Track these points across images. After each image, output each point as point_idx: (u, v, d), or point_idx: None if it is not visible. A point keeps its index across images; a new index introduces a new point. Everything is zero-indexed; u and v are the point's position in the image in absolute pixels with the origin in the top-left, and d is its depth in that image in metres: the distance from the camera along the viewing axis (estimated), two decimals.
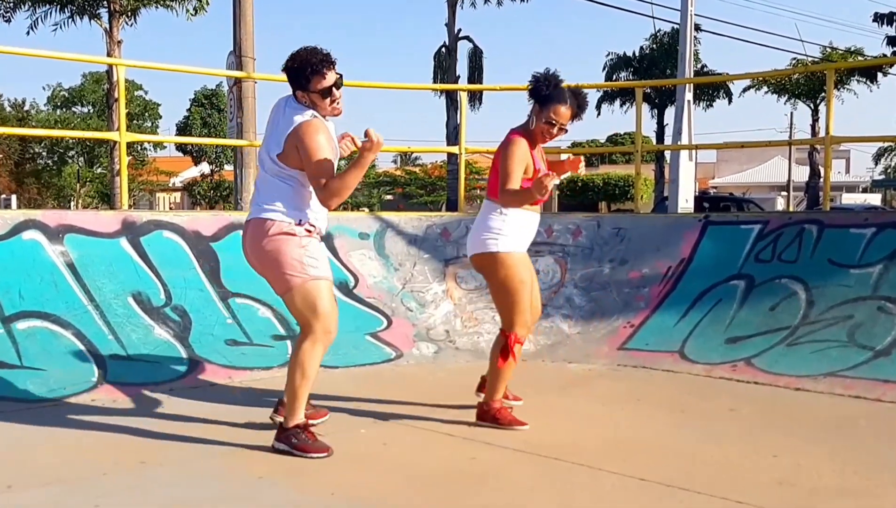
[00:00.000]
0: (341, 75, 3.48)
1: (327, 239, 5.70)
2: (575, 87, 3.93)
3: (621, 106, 31.51)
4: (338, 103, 3.48)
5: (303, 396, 3.46)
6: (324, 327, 3.44)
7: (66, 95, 39.05)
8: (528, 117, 3.86)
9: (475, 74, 25.99)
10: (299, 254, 3.42)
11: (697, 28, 20.89)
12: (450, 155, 21.64)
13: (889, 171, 51.52)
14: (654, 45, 29.84)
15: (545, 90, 3.76)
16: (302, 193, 3.47)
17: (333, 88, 3.44)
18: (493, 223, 3.82)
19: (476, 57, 26.10)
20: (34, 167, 37.26)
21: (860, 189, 47.32)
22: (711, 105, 30.88)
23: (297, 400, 3.45)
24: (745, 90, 32.92)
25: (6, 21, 21.50)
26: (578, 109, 3.82)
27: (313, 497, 3.02)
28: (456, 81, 24.34)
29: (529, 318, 3.94)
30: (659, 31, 29.62)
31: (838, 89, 29.26)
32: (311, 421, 3.57)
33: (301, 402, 3.46)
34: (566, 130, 3.82)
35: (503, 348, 3.86)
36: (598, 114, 32.52)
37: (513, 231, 3.83)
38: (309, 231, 3.48)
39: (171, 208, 39.07)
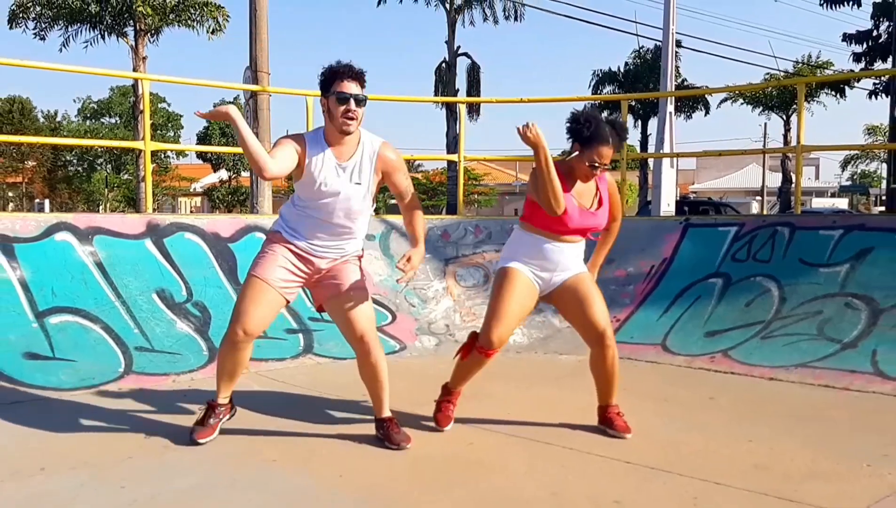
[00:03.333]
0: (365, 97, 3.27)
1: None
2: (610, 119, 3.58)
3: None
4: (349, 116, 3.22)
5: (218, 378, 3.50)
6: (232, 324, 3.35)
7: (95, 106, 39.00)
8: (569, 154, 3.47)
9: (473, 87, 25.98)
10: (260, 252, 3.43)
11: (678, 44, 20.88)
12: (450, 162, 21.64)
13: (855, 177, 51.51)
14: (638, 61, 29.82)
15: (586, 132, 3.39)
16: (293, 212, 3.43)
17: (351, 99, 3.21)
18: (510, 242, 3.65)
19: (474, 72, 26.10)
20: (65, 174, 37.21)
21: (829, 194, 47.37)
22: (691, 116, 30.88)
23: (217, 380, 3.51)
24: (722, 102, 32.97)
25: (41, 39, 21.55)
26: (620, 141, 3.50)
27: (322, 480, 3.01)
28: (455, 94, 24.32)
29: (494, 332, 3.47)
30: (642, 47, 29.64)
31: (808, 102, 29.31)
32: (213, 419, 3.48)
33: (219, 382, 3.50)
34: (609, 168, 3.53)
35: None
36: None
37: (525, 252, 3.57)
38: (280, 241, 3.39)
39: (192, 212, 39.07)
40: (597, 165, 3.41)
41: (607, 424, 3.61)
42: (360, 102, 3.24)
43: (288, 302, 3.48)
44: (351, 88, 3.23)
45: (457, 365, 3.73)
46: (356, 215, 3.38)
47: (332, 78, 3.25)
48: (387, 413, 3.49)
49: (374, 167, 3.33)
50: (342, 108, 3.21)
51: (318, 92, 3.34)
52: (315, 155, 3.28)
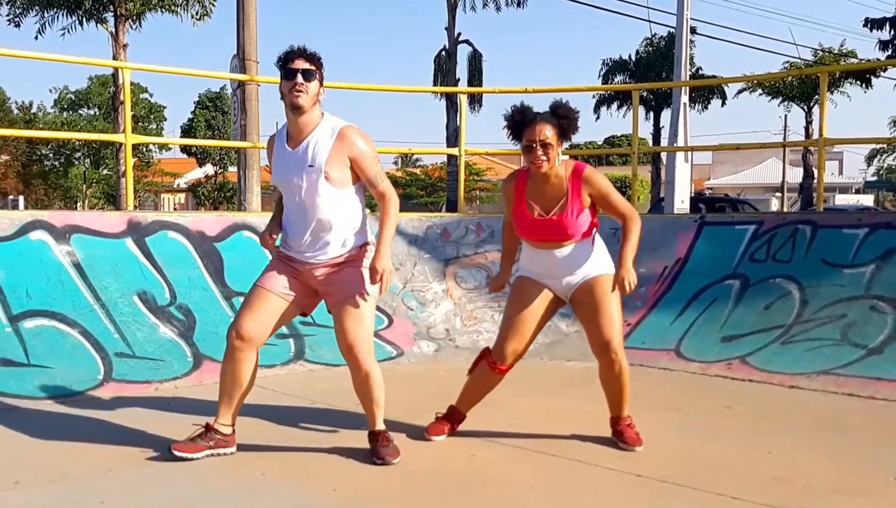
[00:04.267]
0: (315, 73, 3.33)
1: None
2: (555, 103, 3.56)
3: (618, 109, 31.53)
4: (297, 89, 3.29)
5: (219, 394, 3.45)
6: (229, 330, 3.40)
7: (73, 97, 39.00)
8: None
9: (475, 77, 25.96)
10: None
11: (693, 31, 20.89)
12: (450, 157, 21.64)
13: (881, 172, 51.50)
14: (651, 49, 29.83)
15: (515, 120, 3.50)
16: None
17: (299, 73, 3.30)
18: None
19: (476, 60, 26.08)
20: (41, 169, 37.21)
21: (853, 190, 47.36)
22: (707, 108, 30.87)
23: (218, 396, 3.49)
24: (739, 92, 32.91)
25: (16, 26, 21.50)
26: (557, 117, 3.47)
27: (315, 495, 3.01)
28: (456, 84, 24.32)
29: (508, 344, 3.63)
30: (655, 34, 29.64)
31: (831, 92, 29.28)
32: (213, 447, 3.42)
33: (219, 401, 3.45)
34: (551, 145, 3.43)
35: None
36: (597, 117, 32.54)
37: (524, 260, 3.75)
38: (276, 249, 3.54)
39: (175, 209, 39.04)
40: (530, 144, 3.44)
41: (617, 436, 3.64)
42: (309, 76, 3.32)
43: (298, 310, 3.51)
44: (298, 64, 3.33)
45: (466, 383, 3.77)
46: (323, 204, 3.41)
47: (284, 62, 3.36)
48: (378, 427, 3.47)
49: (331, 147, 3.35)
50: (289, 83, 3.31)
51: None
52: (278, 146, 3.47)
